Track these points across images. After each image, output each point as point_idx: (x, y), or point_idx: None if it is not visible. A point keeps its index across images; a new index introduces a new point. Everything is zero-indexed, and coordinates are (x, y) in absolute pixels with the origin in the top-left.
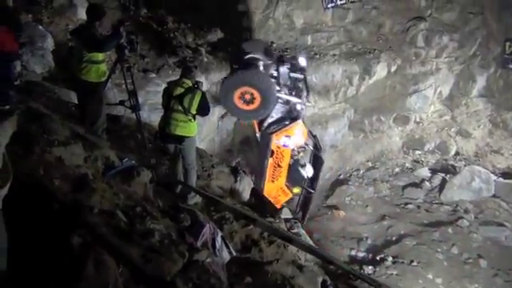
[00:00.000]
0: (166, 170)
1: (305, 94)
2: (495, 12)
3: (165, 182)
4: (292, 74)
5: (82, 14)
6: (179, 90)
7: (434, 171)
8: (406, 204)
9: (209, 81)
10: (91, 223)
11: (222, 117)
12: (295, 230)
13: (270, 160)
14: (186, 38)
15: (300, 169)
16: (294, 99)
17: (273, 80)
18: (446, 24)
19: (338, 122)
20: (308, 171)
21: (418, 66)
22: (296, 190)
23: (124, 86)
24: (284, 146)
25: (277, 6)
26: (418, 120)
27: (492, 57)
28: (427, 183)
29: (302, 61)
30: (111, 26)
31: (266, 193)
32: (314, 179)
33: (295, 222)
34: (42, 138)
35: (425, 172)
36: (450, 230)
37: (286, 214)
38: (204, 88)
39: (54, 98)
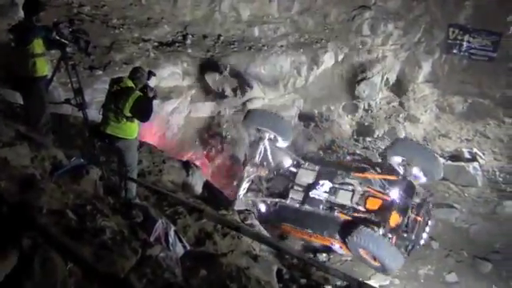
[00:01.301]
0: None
1: None
2: None
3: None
4: None
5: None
6: (115, 89)
7: (384, 157)
8: None
9: (157, 77)
10: (41, 224)
11: (172, 112)
12: (249, 222)
13: None
14: (131, 33)
15: None
16: None
17: None
18: (391, 12)
19: (288, 113)
20: None
21: (364, 54)
22: None
23: (70, 85)
24: None
25: None
26: (366, 107)
27: (436, 43)
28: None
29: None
30: (53, 24)
31: None
32: None
33: (249, 214)
34: None
35: (375, 158)
36: None
37: (239, 205)
38: (152, 84)
39: None
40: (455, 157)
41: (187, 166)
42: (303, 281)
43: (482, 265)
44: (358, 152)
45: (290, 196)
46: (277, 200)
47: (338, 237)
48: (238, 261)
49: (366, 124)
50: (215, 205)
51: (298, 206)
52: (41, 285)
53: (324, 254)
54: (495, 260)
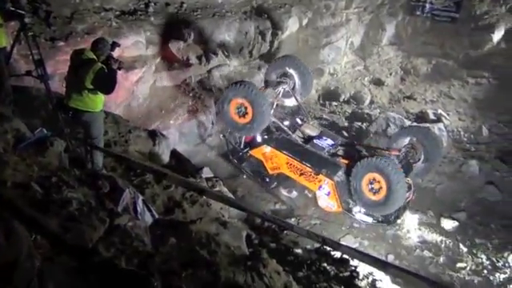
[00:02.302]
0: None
1: None
2: None
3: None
4: None
5: None
6: (76, 61)
7: (350, 121)
8: None
9: (120, 46)
10: (5, 197)
11: (137, 82)
12: (217, 188)
13: None
14: (92, 2)
15: None
16: None
17: None
18: None
19: (254, 79)
20: None
21: (328, 18)
22: None
23: (30, 57)
24: None
25: None
26: (332, 72)
27: (399, 4)
28: (344, 133)
29: None
30: None
31: None
32: None
33: (217, 181)
34: None
35: (342, 122)
36: None
37: (207, 173)
38: (115, 55)
39: None
40: (420, 118)
41: (154, 135)
42: (273, 245)
43: (448, 223)
44: (324, 116)
45: (296, 133)
46: (285, 128)
47: (340, 173)
48: (207, 228)
49: (332, 88)
50: (183, 173)
51: (300, 142)
52: (6, 256)
53: (293, 219)
54: (461, 218)
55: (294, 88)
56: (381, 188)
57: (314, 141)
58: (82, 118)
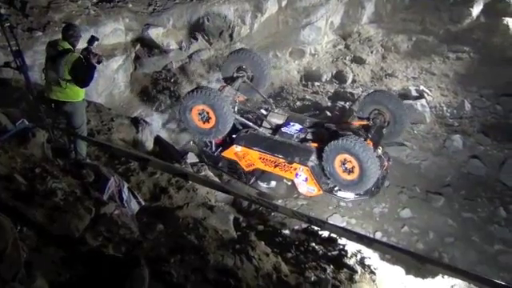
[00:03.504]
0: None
1: None
2: None
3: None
4: None
5: None
6: (52, 53)
7: (333, 100)
8: None
9: (99, 34)
10: None
11: (118, 69)
12: (203, 173)
13: None
14: None
15: None
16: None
17: None
18: None
19: None
20: None
21: None
22: None
23: (8, 49)
24: None
25: None
26: (313, 52)
27: None
28: (328, 113)
29: None
30: None
31: None
32: None
33: (202, 165)
34: None
35: (325, 102)
36: None
37: (192, 158)
38: (97, 43)
39: None
40: (403, 95)
41: (137, 122)
42: (260, 227)
43: (435, 199)
44: (307, 97)
45: (262, 126)
46: (250, 124)
47: (312, 158)
48: (194, 213)
49: (314, 69)
50: (167, 159)
51: (269, 135)
52: None
53: (280, 200)
54: (447, 193)
55: (252, 80)
56: (354, 167)
57: (282, 129)
58: (64, 108)
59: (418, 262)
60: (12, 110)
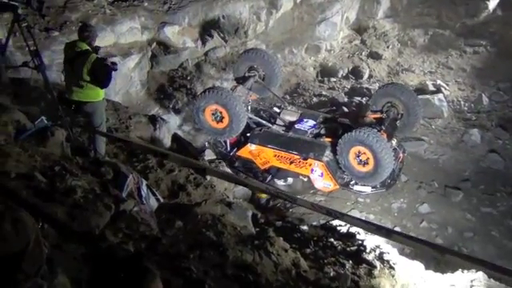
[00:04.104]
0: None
1: None
2: None
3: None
4: None
5: None
6: (71, 54)
7: (350, 96)
8: None
9: (115, 32)
10: (10, 188)
11: (134, 68)
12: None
13: None
14: None
15: None
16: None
17: None
18: None
19: None
20: None
21: None
22: None
23: (26, 48)
24: None
25: None
26: (329, 48)
27: None
28: (345, 108)
29: None
30: None
31: None
32: None
33: (220, 162)
34: None
35: (341, 98)
36: None
37: (209, 155)
38: (111, 42)
39: None
40: (420, 90)
41: (154, 120)
42: (279, 223)
43: (453, 194)
44: (323, 93)
45: (275, 123)
46: (264, 122)
47: (327, 153)
48: (212, 209)
49: (330, 64)
50: (185, 156)
51: (282, 132)
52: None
53: (298, 196)
54: (465, 188)
55: (263, 79)
56: (368, 158)
57: (296, 126)
58: (85, 108)
59: (438, 253)
60: (31, 108)
